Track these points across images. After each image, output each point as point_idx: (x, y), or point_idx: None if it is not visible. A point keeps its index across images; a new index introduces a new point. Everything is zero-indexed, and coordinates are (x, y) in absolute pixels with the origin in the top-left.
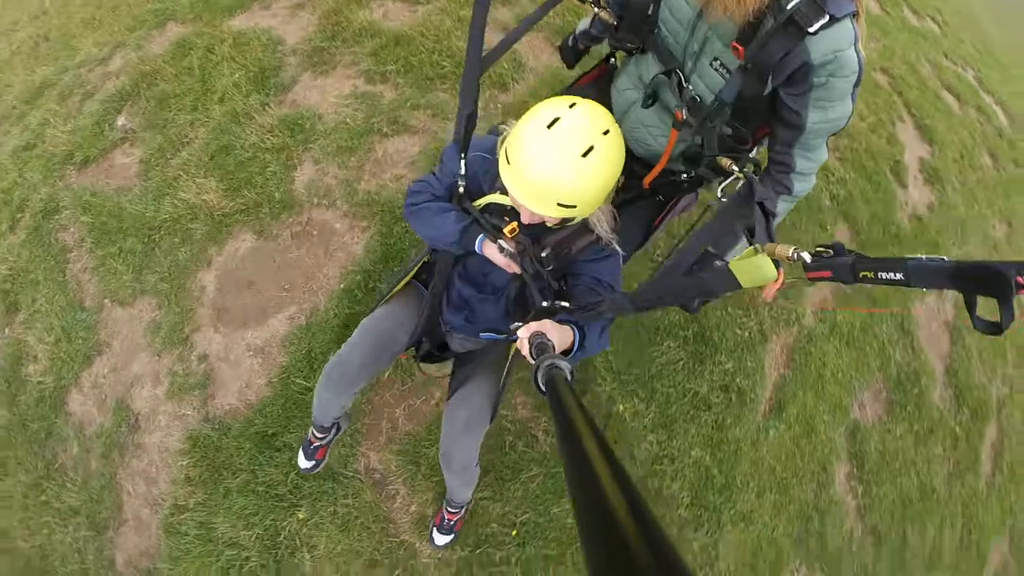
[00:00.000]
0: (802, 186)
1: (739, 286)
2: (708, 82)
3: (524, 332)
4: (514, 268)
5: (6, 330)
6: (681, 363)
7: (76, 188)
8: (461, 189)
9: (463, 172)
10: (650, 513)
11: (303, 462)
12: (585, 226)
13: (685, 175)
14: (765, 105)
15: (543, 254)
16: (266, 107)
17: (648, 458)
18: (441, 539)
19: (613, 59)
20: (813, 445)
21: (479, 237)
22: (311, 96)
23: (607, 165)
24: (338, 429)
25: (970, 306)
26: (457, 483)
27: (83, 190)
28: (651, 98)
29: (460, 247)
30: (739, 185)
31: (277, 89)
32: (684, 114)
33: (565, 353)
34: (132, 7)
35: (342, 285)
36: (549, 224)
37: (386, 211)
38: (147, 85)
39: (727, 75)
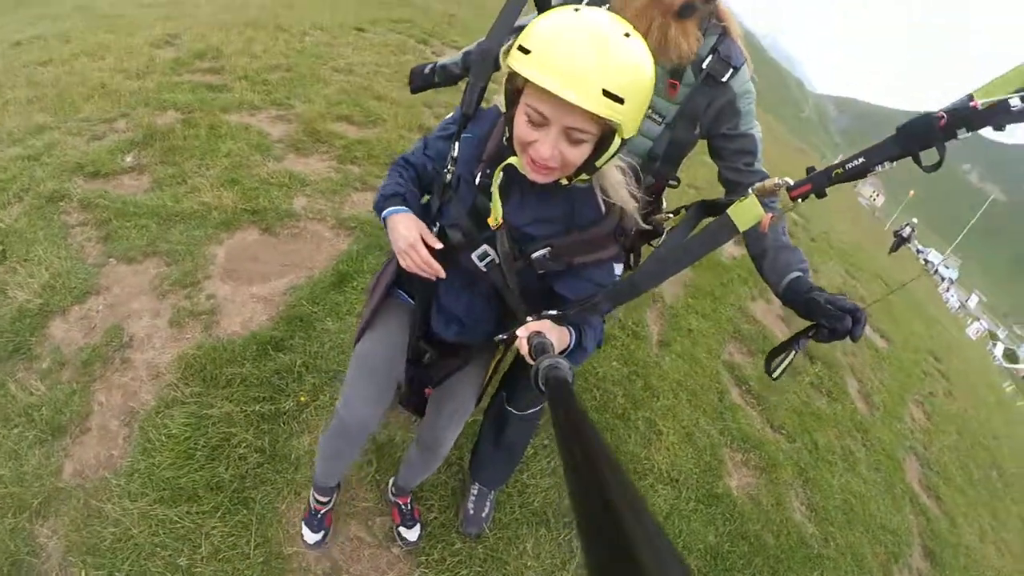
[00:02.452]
0: None
1: (738, 230)
2: (643, 130)
3: (523, 332)
4: (424, 269)
5: None
6: None
7: (86, 188)
8: (448, 177)
9: (454, 154)
10: (651, 515)
11: (310, 536)
12: (609, 233)
13: None
14: (682, 155)
15: (536, 254)
16: (264, 164)
17: (580, 372)
18: (413, 534)
19: None
20: (702, 368)
21: (388, 209)
22: (297, 166)
23: (650, 60)
24: (338, 487)
25: (917, 159)
26: (422, 468)
27: (93, 191)
28: None
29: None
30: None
31: (271, 158)
32: None
33: (562, 352)
34: (130, 96)
35: (334, 263)
36: (569, 164)
37: (365, 231)
38: (156, 140)
39: (659, 122)
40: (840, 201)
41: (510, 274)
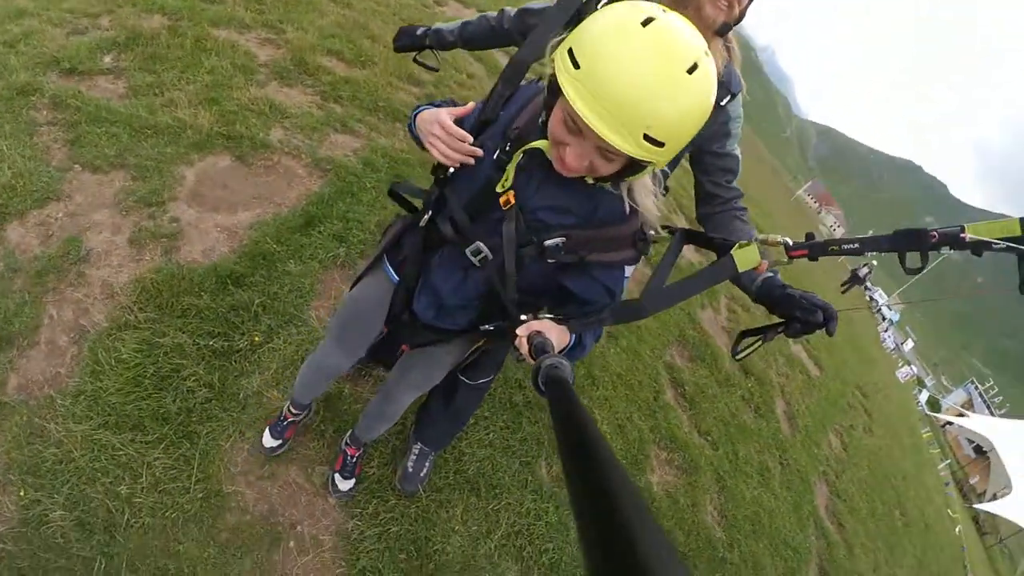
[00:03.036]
0: None
1: (738, 271)
2: None
3: (523, 331)
4: (457, 149)
5: None
6: None
7: (58, 86)
8: (496, 153)
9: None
10: (651, 515)
11: (269, 441)
12: (629, 237)
13: None
14: (673, 168)
15: (549, 242)
16: (246, 88)
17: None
18: (346, 484)
19: None
20: (644, 365)
21: (414, 112)
22: (280, 97)
23: (708, 97)
24: (310, 411)
25: (902, 259)
26: (378, 419)
27: (66, 89)
28: None
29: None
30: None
31: (253, 83)
32: None
33: (561, 351)
34: None
35: (303, 202)
36: (597, 173)
37: (339, 175)
38: (139, 43)
39: None
40: (801, 226)
41: (510, 260)
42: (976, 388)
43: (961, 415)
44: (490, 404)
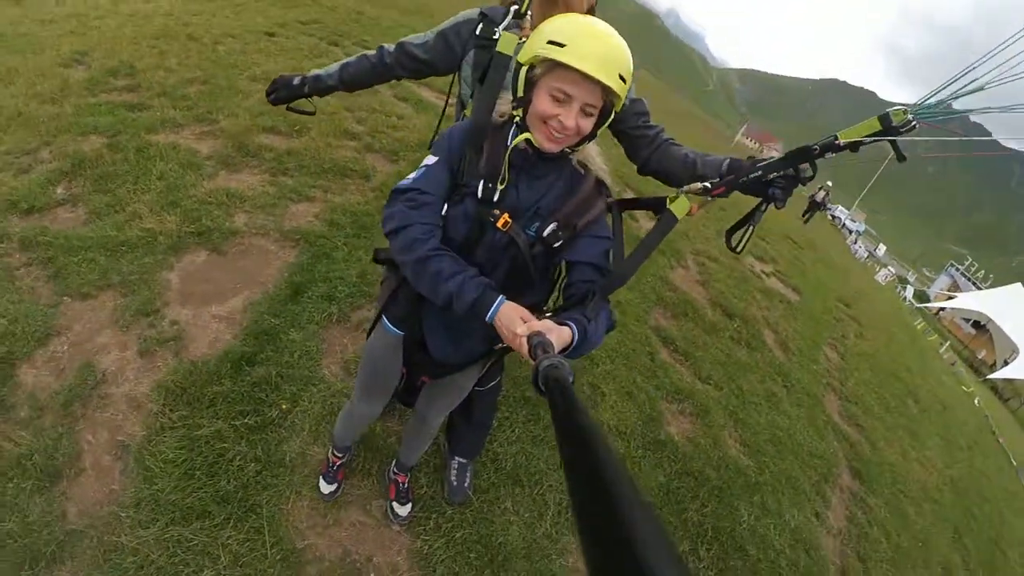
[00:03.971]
0: None
1: (677, 219)
2: None
3: (523, 330)
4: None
5: None
6: None
7: (23, 227)
8: (480, 192)
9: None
10: (652, 514)
11: (325, 487)
12: (593, 188)
13: None
14: None
15: (547, 231)
16: (199, 184)
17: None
18: (404, 509)
19: None
20: (633, 335)
21: (495, 304)
22: (231, 183)
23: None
24: (351, 452)
25: (797, 172)
26: (417, 441)
27: (30, 228)
28: None
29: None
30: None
31: (204, 177)
32: None
33: (564, 350)
34: (48, 122)
35: (285, 274)
36: (582, 133)
37: (309, 240)
38: (84, 167)
39: None
40: None
41: (531, 265)
42: (957, 270)
43: (950, 298)
44: (507, 405)
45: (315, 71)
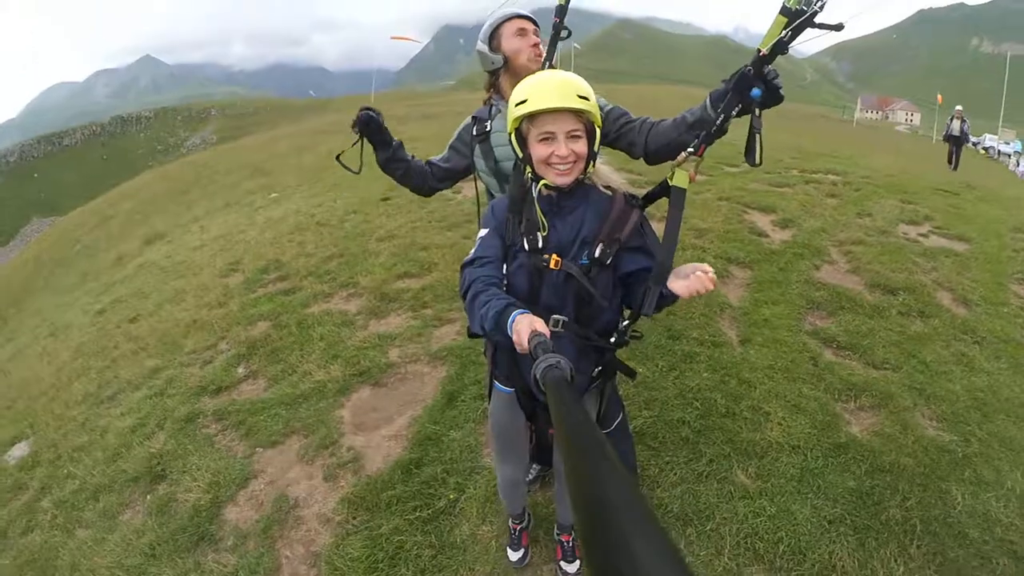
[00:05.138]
0: None
1: (684, 190)
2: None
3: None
4: (523, 345)
5: (149, 495)
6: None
7: (214, 404)
8: (527, 246)
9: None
10: (652, 512)
11: (513, 555)
12: (624, 203)
13: None
14: None
15: (597, 252)
16: (354, 335)
17: (677, 390)
18: (573, 567)
19: None
20: (788, 347)
21: (512, 315)
22: (381, 328)
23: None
24: (528, 516)
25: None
26: (568, 501)
27: (221, 403)
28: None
29: (497, 334)
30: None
31: (357, 329)
32: None
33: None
34: (220, 321)
35: (440, 387)
36: (581, 155)
37: (456, 354)
38: (257, 348)
39: None
40: (879, 140)
41: (592, 287)
42: None
43: None
44: (667, 450)
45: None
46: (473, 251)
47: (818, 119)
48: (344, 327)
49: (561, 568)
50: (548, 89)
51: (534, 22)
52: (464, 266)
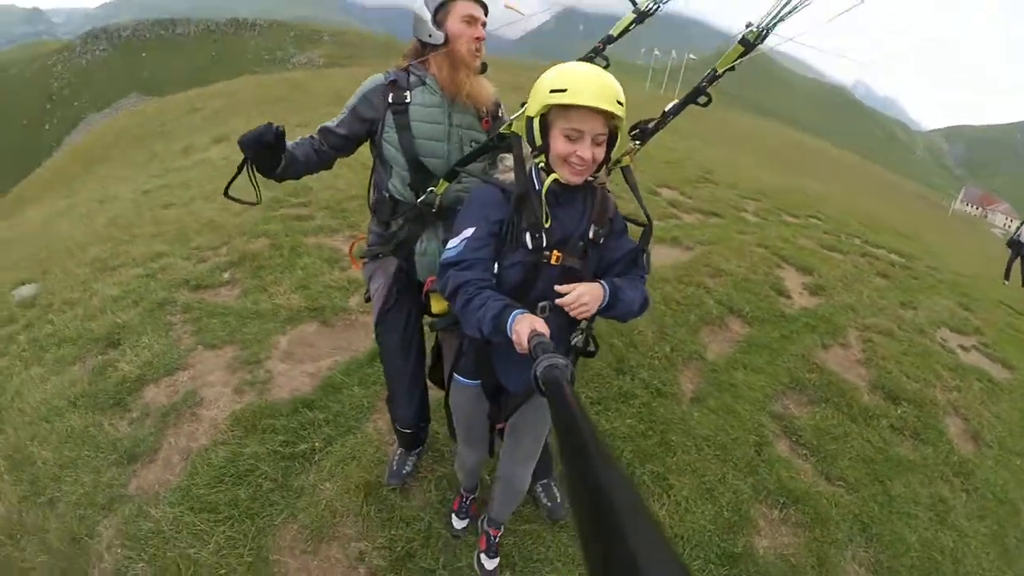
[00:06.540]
0: None
1: (630, 168)
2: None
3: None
4: (523, 345)
5: (100, 356)
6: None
7: (188, 297)
8: (530, 244)
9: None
10: (650, 513)
11: (458, 523)
12: (603, 191)
13: None
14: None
15: (592, 234)
16: (331, 273)
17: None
18: (491, 563)
19: None
20: (740, 422)
21: (512, 316)
22: (358, 273)
23: None
24: (477, 487)
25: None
26: (507, 501)
27: (194, 299)
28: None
29: (496, 335)
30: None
31: (338, 269)
32: None
33: (603, 309)
34: (232, 228)
35: (373, 344)
36: (598, 160)
37: None
38: (247, 260)
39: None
40: (968, 236)
41: (587, 272)
42: None
43: None
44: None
45: (291, 148)
46: (456, 251)
47: (914, 198)
48: (327, 263)
49: (480, 560)
50: (592, 86)
51: (485, 11)
52: (446, 266)
